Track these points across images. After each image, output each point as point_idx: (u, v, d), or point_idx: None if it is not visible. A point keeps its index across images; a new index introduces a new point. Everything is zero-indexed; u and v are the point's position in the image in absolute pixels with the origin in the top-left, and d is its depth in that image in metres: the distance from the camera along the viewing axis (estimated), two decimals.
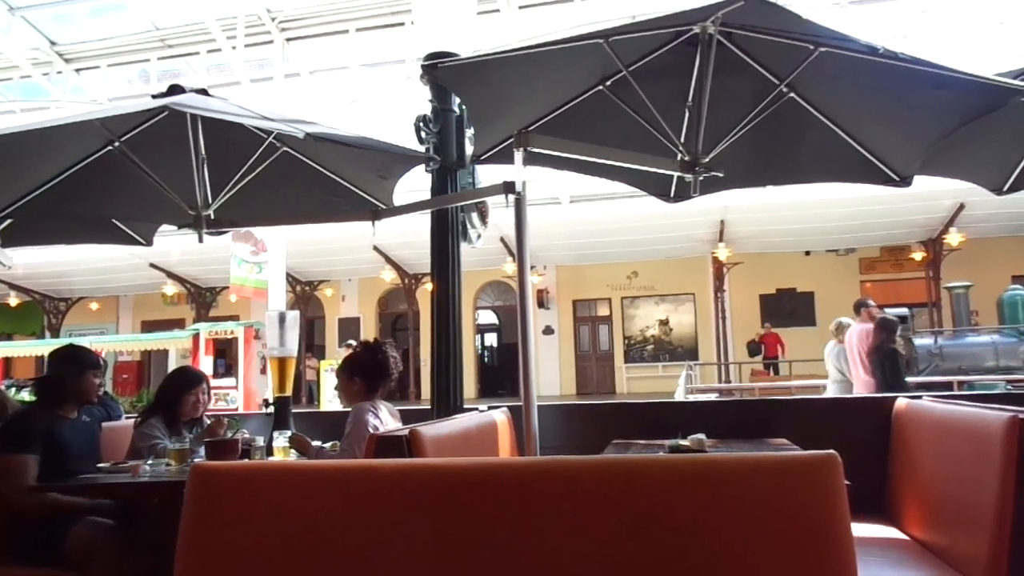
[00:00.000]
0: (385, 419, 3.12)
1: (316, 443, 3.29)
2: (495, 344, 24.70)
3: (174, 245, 15.66)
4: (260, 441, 3.26)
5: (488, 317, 23.77)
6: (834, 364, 7.81)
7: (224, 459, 2.90)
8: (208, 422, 3.55)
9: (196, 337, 14.15)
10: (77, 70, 20.53)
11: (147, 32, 19.39)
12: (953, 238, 16.38)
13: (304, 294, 21.13)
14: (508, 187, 2.60)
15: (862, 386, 7.35)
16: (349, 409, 3.24)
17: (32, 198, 3.39)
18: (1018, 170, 3.43)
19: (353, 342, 4.51)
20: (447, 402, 3.54)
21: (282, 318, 3.75)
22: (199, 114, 3.01)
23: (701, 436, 2.90)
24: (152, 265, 19.27)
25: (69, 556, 2.88)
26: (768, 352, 18.67)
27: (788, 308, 20.13)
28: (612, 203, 15.12)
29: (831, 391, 8.07)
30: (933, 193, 13.34)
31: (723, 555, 1.13)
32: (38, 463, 2.94)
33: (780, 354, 18.45)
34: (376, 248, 17.96)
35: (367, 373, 3.26)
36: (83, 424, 3.29)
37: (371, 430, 2.91)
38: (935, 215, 16.15)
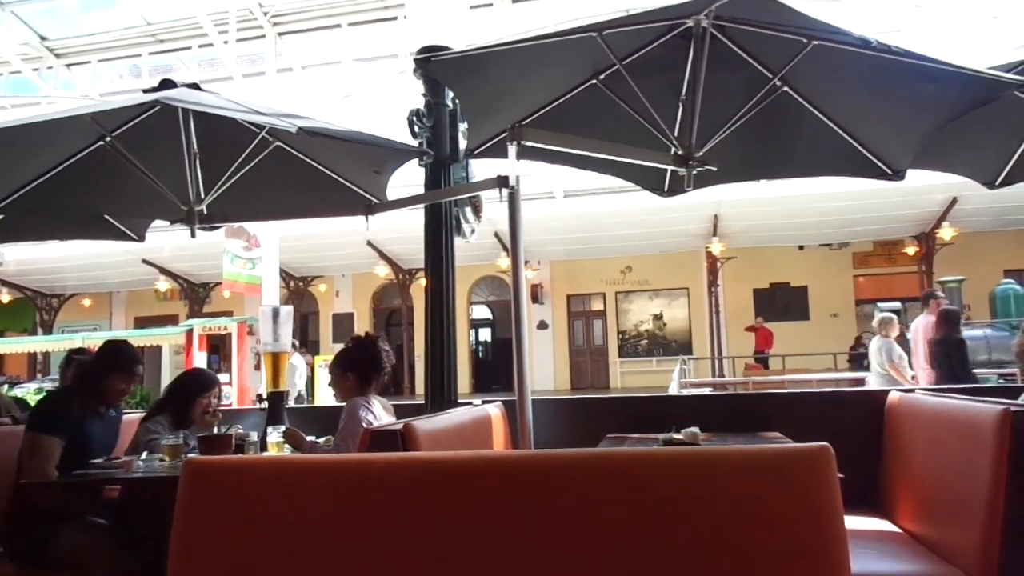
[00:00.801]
0: (379, 413, 3.12)
1: (310, 438, 3.29)
2: (489, 339, 24.70)
3: (167, 241, 15.62)
4: (254, 436, 3.25)
5: (482, 312, 23.77)
6: (876, 359, 7.77)
7: (218, 454, 2.89)
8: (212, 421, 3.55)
9: (189, 333, 14.12)
10: (68, 65, 20.41)
11: (138, 27, 19.28)
12: (945, 232, 16.45)
13: (298, 290, 21.11)
14: (502, 181, 2.59)
15: (925, 378, 7.31)
16: (343, 404, 3.24)
17: (23, 194, 3.37)
18: (1010, 164, 3.44)
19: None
20: (441, 397, 3.54)
21: (275, 313, 3.74)
22: (191, 109, 2.99)
23: (695, 429, 2.91)
24: (145, 261, 19.20)
25: (61, 555, 2.86)
26: (757, 346, 18.76)
27: (782, 302, 20.20)
28: (606, 198, 15.13)
29: (874, 384, 8.05)
30: (926, 187, 13.38)
31: (717, 547, 1.13)
32: (62, 448, 2.93)
33: (768, 349, 18.58)
34: (370, 243, 17.95)
35: (359, 368, 3.26)
36: (111, 419, 3.27)
37: (364, 425, 2.91)
38: (928, 209, 16.21)
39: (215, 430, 3.36)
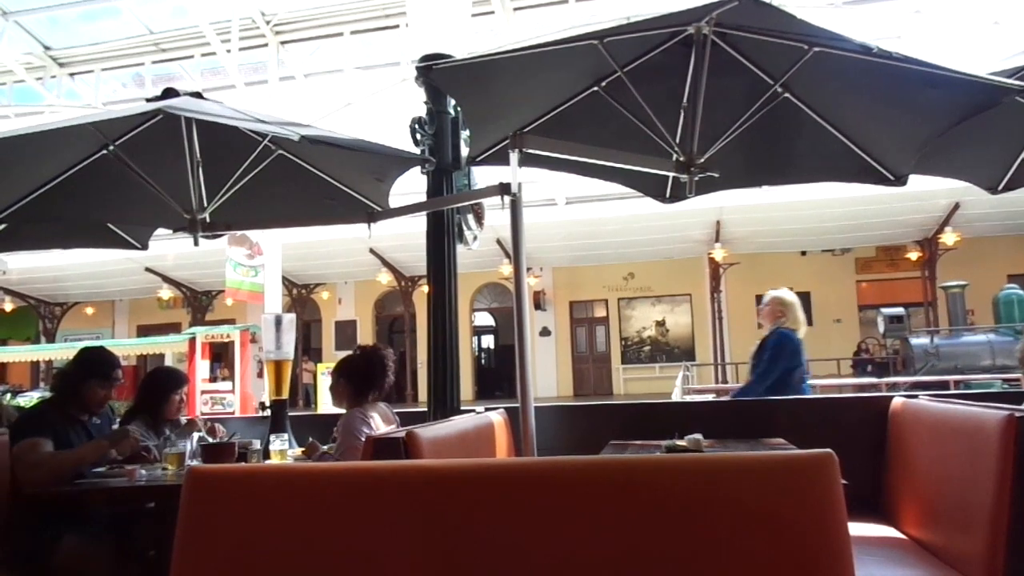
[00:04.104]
0: (376, 424, 3.10)
1: (323, 448, 3.28)
2: (492, 346, 24.70)
3: (169, 249, 15.66)
4: (257, 444, 3.25)
5: (485, 319, 23.77)
6: None
7: (221, 462, 2.89)
8: (183, 420, 3.56)
9: (192, 341, 14.11)
10: (71, 74, 20.49)
11: (141, 36, 19.36)
12: (948, 237, 16.44)
13: (300, 297, 21.13)
14: (504, 189, 2.60)
15: None
16: (343, 411, 3.23)
17: (26, 203, 3.38)
18: (1013, 169, 3.44)
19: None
20: (444, 404, 3.53)
21: (278, 321, 3.74)
22: (194, 117, 3.00)
23: (698, 436, 2.90)
24: (148, 269, 19.25)
25: (61, 565, 2.83)
26: None
27: None
28: (608, 204, 15.15)
29: None
30: (928, 193, 13.39)
31: (720, 555, 1.12)
32: (52, 445, 2.92)
33: None
34: (372, 251, 17.98)
35: (355, 377, 3.25)
36: (97, 428, 3.23)
37: (362, 438, 2.91)
38: (930, 215, 16.21)
39: (219, 437, 3.37)
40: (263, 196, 3.55)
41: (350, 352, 3.44)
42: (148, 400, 3.51)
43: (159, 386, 3.54)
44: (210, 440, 3.30)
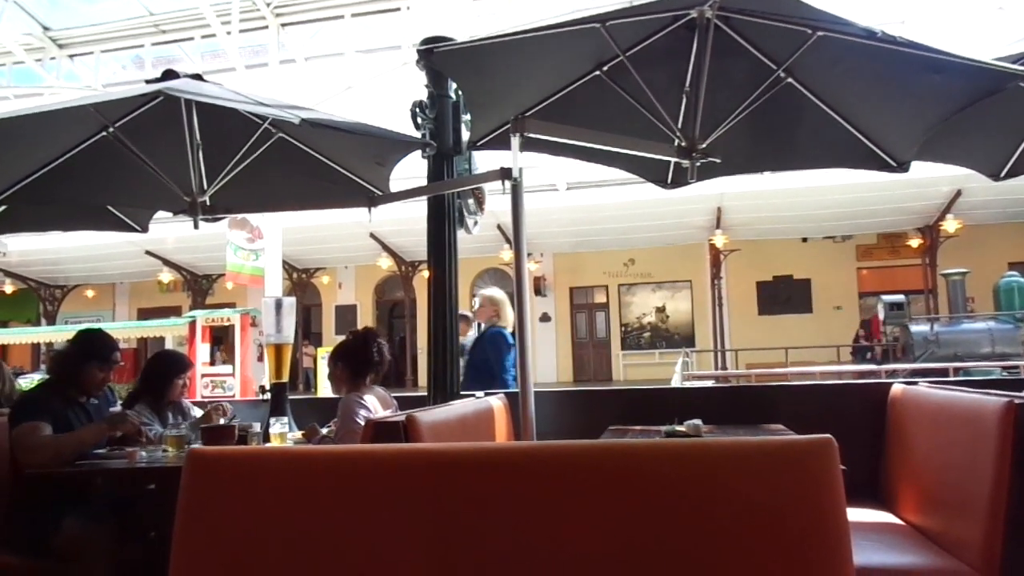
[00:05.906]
0: (374, 408, 3.11)
1: (323, 431, 3.30)
2: None
3: (170, 232, 15.66)
4: (257, 427, 3.26)
5: None
6: None
7: (221, 445, 2.90)
8: (185, 403, 3.58)
9: (192, 324, 14.13)
10: (70, 56, 20.38)
11: (141, 17, 19.24)
12: (950, 225, 16.42)
13: (301, 281, 21.14)
14: (505, 173, 2.59)
15: None
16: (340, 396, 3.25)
17: (26, 184, 3.37)
18: (1015, 156, 3.42)
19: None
20: (444, 388, 3.54)
21: (278, 305, 3.74)
22: (194, 99, 2.98)
23: (697, 422, 2.91)
24: (148, 252, 19.25)
25: (62, 547, 2.84)
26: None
27: (785, 295, 20.20)
28: (609, 190, 15.12)
29: None
30: (930, 179, 13.36)
31: (719, 539, 1.13)
32: (51, 428, 2.93)
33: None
34: (372, 235, 17.96)
35: (350, 360, 3.26)
36: (96, 408, 3.22)
37: (361, 422, 2.92)
38: (932, 202, 16.18)
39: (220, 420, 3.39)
40: (263, 179, 3.54)
41: (345, 337, 3.45)
42: (152, 383, 3.52)
43: (163, 370, 3.54)
44: (223, 421, 3.32)
